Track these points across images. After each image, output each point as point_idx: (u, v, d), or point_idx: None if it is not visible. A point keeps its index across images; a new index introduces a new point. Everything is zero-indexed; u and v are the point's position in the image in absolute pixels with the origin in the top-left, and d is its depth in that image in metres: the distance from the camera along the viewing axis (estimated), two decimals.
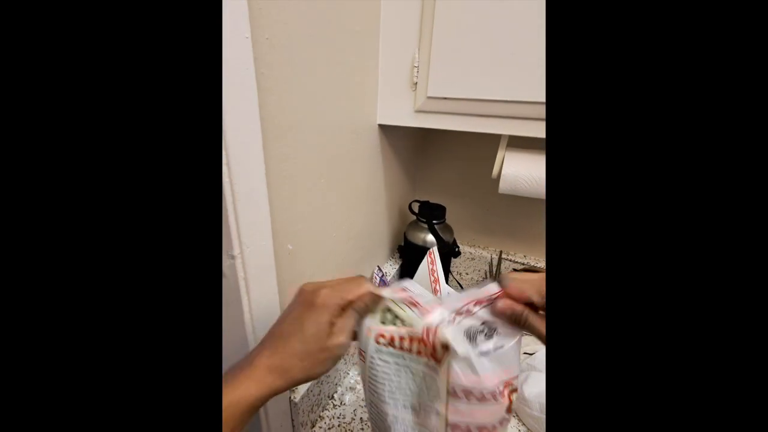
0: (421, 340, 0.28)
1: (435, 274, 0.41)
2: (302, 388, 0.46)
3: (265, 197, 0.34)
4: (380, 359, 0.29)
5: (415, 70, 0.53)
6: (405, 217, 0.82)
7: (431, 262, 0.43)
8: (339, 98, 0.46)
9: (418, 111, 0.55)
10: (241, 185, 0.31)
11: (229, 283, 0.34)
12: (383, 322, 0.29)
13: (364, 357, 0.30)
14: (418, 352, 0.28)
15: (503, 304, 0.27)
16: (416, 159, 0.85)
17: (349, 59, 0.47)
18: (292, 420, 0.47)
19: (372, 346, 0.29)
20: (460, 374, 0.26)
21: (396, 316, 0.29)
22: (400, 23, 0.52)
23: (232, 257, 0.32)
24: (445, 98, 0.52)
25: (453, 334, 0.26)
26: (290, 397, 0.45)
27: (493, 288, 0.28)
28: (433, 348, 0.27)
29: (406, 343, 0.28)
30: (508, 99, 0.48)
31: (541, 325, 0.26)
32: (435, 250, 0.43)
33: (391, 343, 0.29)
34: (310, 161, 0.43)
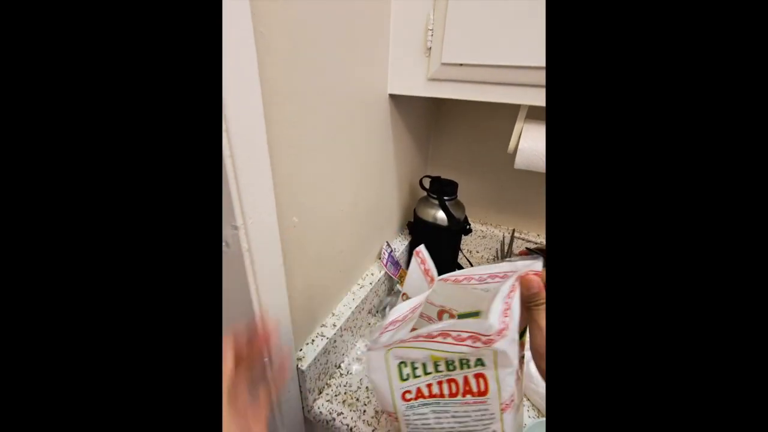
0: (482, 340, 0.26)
1: (429, 274, 0.40)
2: (309, 357, 0.47)
3: (267, 164, 0.33)
4: (415, 414, 0.28)
5: (429, 33, 0.49)
6: (415, 192, 0.80)
7: (421, 261, 0.41)
8: (346, 63, 0.44)
9: (432, 79, 0.52)
10: (240, 149, 0.29)
11: (233, 252, 0.33)
12: (404, 379, 0.28)
13: (396, 417, 0.29)
14: (451, 393, 0.27)
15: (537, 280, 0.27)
16: (428, 132, 0.82)
17: (357, 21, 0.44)
18: (300, 386, 0.48)
19: (401, 405, 0.28)
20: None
21: (414, 366, 0.28)
22: None
23: (235, 228, 0.32)
24: (461, 65, 0.48)
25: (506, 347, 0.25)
26: (297, 365, 0.46)
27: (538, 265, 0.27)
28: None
29: (435, 389, 0.27)
30: (530, 65, 0.44)
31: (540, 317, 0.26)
32: (422, 248, 0.41)
33: (419, 395, 0.28)
34: (316, 131, 0.41)
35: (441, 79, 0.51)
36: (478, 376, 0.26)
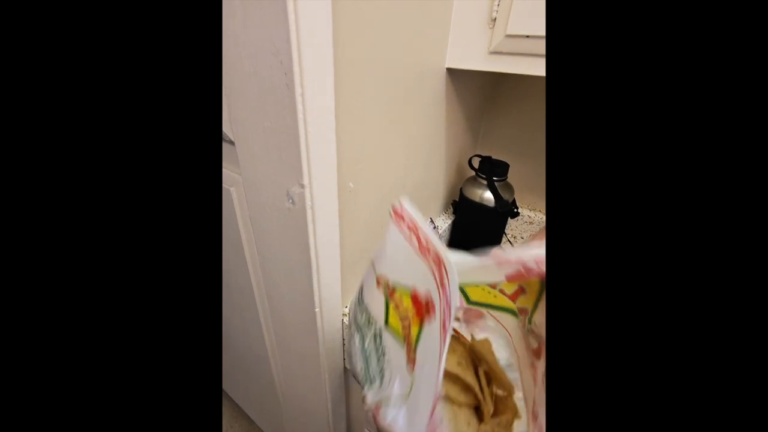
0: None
1: (427, 242, 0.23)
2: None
3: (333, 130, 0.35)
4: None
5: (496, 2, 0.47)
6: (463, 172, 0.80)
7: (413, 226, 0.24)
8: (406, 33, 0.44)
9: (493, 52, 0.50)
10: (312, 114, 0.32)
11: (297, 209, 0.37)
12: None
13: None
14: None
15: None
16: (482, 111, 0.80)
17: None
18: (343, 339, 0.52)
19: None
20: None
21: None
22: None
23: (302, 186, 0.35)
24: (527, 36, 0.46)
25: None
26: (342, 319, 0.50)
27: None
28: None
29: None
30: None
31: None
32: (404, 201, 0.26)
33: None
34: (375, 101, 0.43)
35: (503, 53, 0.50)
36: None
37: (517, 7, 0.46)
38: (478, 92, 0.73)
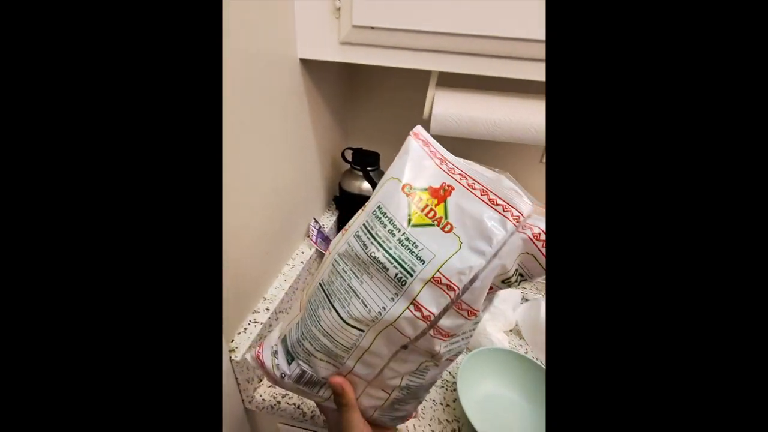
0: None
1: (438, 154, 0.29)
2: (243, 346, 0.44)
3: None
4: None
5: None
6: (339, 166, 0.79)
7: (424, 142, 0.30)
8: (248, 15, 0.39)
9: (344, 43, 0.50)
10: None
11: None
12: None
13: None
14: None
15: None
16: (346, 102, 0.80)
17: None
18: (236, 378, 0.45)
19: None
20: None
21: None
22: None
23: None
24: (372, 28, 0.47)
25: None
26: (230, 357, 0.43)
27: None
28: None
29: None
30: (440, 30, 0.46)
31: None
32: (419, 128, 0.31)
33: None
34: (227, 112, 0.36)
35: (353, 43, 0.49)
36: None
37: None
38: (338, 83, 0.72)
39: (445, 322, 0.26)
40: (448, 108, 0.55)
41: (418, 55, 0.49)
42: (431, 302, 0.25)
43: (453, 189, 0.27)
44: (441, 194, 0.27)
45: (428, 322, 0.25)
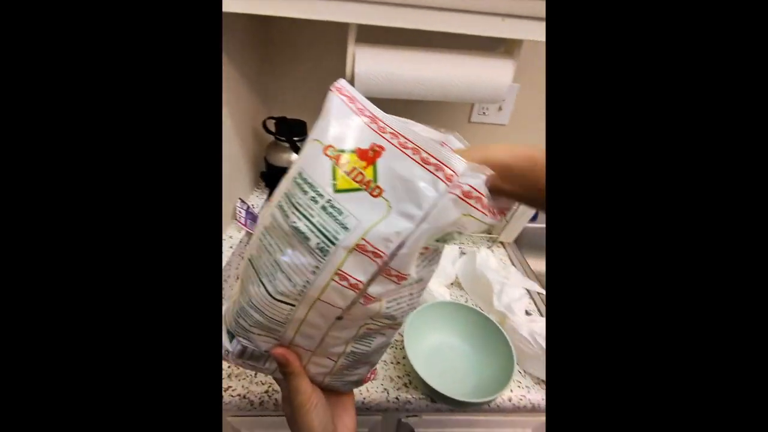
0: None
1: (367, 111, 0.27)
2: None
3: None
4: None
5: None
6: (262, 138, 0.72)
7: (349, 98, 0.27)
8: None
9: None
10: None
11: None
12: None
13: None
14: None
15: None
16: (263, 65, 0.71)
17: None
18: None
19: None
20: None
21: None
22: None
23: None
24: None
25: None
26: None
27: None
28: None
29: None
30: None
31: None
32: (342, 81, 0.28)
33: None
34: None
35: None
36: None
37: None
38: (250, 44, 0.64)
39: (375, 289, 0.25)
40: (370, 66, 0.52)
41: (336, 5, 0.44)
42: (358, 270, 0.24)
43: (383, 149, 0.25)
44: (370, 156, 0.25)
45: (357, 291, 0.24)
